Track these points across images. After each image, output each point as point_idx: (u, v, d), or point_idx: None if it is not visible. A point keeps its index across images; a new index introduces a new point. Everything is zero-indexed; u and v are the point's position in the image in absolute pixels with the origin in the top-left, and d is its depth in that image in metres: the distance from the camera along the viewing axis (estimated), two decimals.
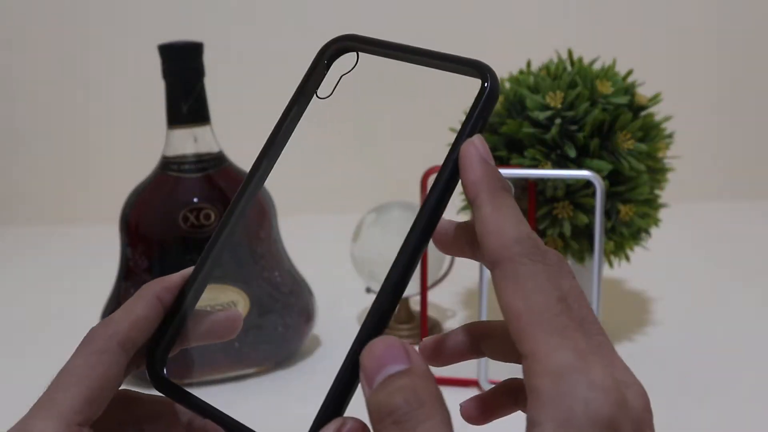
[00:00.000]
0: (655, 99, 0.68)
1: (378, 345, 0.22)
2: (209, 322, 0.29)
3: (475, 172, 0.24)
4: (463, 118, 0.25)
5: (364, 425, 0.23)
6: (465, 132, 0.25)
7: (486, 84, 0.25)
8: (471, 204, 0.24)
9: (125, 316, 0.27)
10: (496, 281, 0.23)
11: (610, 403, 0.20)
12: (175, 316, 0.28)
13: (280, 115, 0.28)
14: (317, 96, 0.28)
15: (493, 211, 0.23)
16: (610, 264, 0.69)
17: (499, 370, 0.62)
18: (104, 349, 0.26)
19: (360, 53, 0.28)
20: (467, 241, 0.27)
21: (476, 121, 0.25)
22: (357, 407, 0.23)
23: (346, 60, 0.28)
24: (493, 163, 0.24)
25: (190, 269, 0.29)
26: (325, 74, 0.28)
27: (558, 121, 0.63)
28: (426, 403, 0.21)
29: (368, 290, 0.73)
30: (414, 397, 0.21)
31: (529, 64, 0.70)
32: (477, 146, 0.24)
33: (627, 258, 0.69)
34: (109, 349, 0.26)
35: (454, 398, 0.25)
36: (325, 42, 0.28)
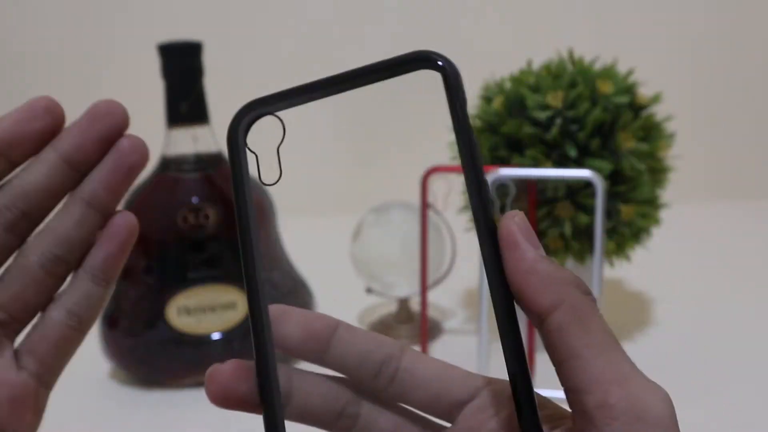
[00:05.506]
0: (656, 99, 0.67)
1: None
2: None
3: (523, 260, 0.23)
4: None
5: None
6: (458, 126, 0.23)
7: (440, 64, 0.23)
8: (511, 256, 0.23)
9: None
10: (558, 327, 0.23)
11: (668, 406, 0.21)
12: None
13: (239, 219, 0.24)
14: (264, 183, 0.24)
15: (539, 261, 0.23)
16: (611, 264, 0.69)
17: (500, 372, 0.62)
18: None
19: (278, 114, 0.25)
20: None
21: (457, 110, 0.23)
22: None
23: (262, 125, 0.25)
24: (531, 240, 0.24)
25: None
26: (254, 155, 0.24)
27: (559, 120, 0.63)
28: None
29: (368, 290, 0.73)
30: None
31: (529, 64, 0.70)
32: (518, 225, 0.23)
33: (628, 258, 0.69)
34: None
35: None
36: (231, 121, 0.25)
